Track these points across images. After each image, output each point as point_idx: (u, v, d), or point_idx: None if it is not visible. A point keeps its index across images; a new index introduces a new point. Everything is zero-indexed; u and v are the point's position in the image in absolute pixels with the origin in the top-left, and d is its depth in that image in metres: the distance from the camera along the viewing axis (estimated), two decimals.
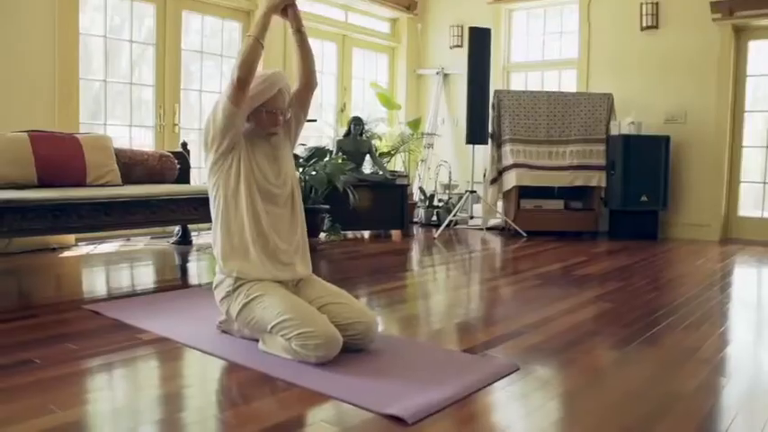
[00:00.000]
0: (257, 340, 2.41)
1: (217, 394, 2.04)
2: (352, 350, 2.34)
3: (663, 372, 2.33)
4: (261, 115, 2.44)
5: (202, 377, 2.20)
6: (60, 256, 4.61)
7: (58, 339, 2.50)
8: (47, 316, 2.89)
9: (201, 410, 1.88)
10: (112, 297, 3.31)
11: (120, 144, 5.31)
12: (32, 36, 4.66)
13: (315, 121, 5.94)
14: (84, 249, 4.89)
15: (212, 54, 6.15)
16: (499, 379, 2.16)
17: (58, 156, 4.02)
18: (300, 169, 5.12)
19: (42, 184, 3.90)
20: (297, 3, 2.51)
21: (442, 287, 3.95)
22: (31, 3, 4.63)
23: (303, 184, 5.17)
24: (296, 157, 5.10)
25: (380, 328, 2.80)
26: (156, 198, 3.74)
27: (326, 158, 5.25)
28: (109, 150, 4.35)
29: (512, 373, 2.23)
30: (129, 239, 5.38)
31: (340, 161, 6.00)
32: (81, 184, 4.10)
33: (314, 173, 5.06)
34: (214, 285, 2.48)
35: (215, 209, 2.47)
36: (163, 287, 3.64)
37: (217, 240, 2.45)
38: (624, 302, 3.47)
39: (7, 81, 4.53)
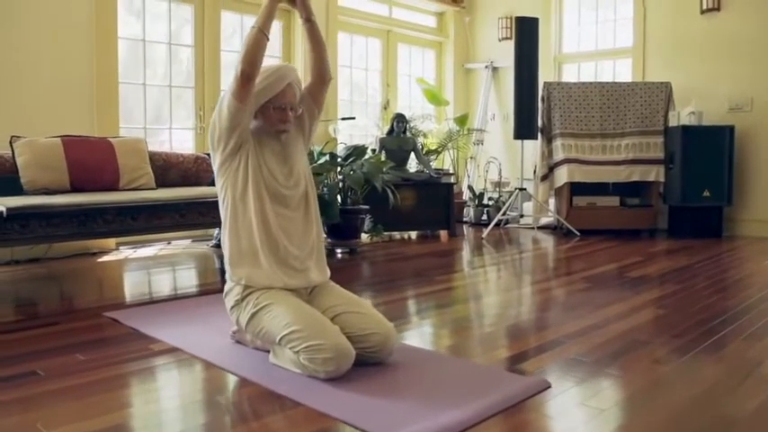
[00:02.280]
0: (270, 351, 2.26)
1: (214, 412, 1.89)
2: (368, 363, 2.16)
3: (718, 390, 2.06)
4: (269, 112, 2.28)
5: (205, 393, 2.06)
6: (98, 260, 4.60)
7: (69, 349, 2.42)
8: (67, 323, 2.83)
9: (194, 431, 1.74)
10: (137, 304, 3.23)
11: (161, 147, 5.32)
12: (72, 42, 4.66)
13: (353, 118, 5.79)
14: (123, 253, 4.87)
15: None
16: (527, 398, 1.94)
17: (91, 160, 3.98)
18: (338, 169, 4.98)
19: (75, 188, 3.87)
20: None
21: (485, 291, 3.73)
22: (69, 9, 4.64)
23: (340, 184, 5.02)
24: (332, 156, 4.96)
25: (405, 338, 2.61)
26: (184, 201, 3.64)
27: (365, 157, 5.08)
28: (142, 153, 4.29)
29: (542, 391, 2.00)
30: (169, 243, 5.35)
31: (382, 159, 5.84)
32: (114, 188, 4.05)
33: (351, 172, 4.90)
34: (224, 294, 2.35)
35: (223, 212, 2.33)
36: (192, 293, 3.55)
37: (225, 246, 2.31)
38: (680, 308, 3.17)
39: (47, 86, 4.54)
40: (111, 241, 4.95)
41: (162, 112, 5.51)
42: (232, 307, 2.29)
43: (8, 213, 3.00)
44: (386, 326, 2.20)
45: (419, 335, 2.77)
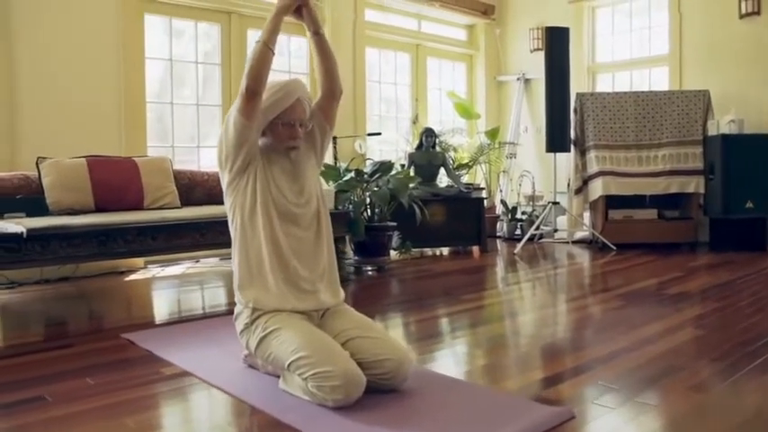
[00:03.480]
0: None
1: None
2: (381, 390, 2.05)
3: (762, 420, 1.89)
4: (277, 128, 2.21)
5: (210, 421, 1.98)
6: (125, 279, 4.60)
7: (79, 373, 2.37)
8: (82, 345, 2.79)
9: None
10: (155, 324, 3.19)
11: (188, 166, 5.32)
12: (100, 62, 4.70)
13: (380, 134, 5.73)
14: (151, 272, 4.87)
15: (280, 71, 6.05)
16: (548, 430, 1.81)
17: (115, 180, 3.99)
18: (365, 185, 4.90)
19: (99, 208, 3.88)
20: (311, 2, 2.25)
21: (515, 310, 3.59)
22: (97, 30, 4.68)
23: (367, 200, 4.93)
24: (358, 173, 4.89)
25: (431, 359, 2.50)
26: (204, 220, 3.61)
27: (391, 173, 4.99)
28: (167, 172, 4.29)
29: (566, 422, 1.87)
30: (197, 261, 5.34)
31: (411, 174, 5.75)
32: (138, 207, 4.05)
33: (377, 189, 4.82)
34: (234, 317, 2.27)
35: (233, 232, 2.26)
36: (211, 313, 3.50)
37: (235, 267, 2.25)
38: (721, 327, 2.99)
39: (76, 107, 4.58)
40: (140, 260, 4.95)
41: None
42: (242, 331, 2.22)
43: (28, 234, 3.00)
44: (399, 351, 2.09)
45: (442, 356, 2.65)
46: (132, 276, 4.71)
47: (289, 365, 2.01)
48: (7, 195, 3.77)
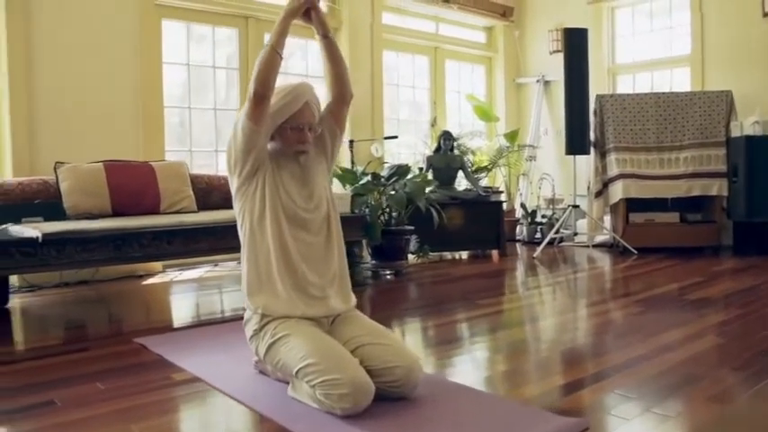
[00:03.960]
0: None
1: None
2: (391, 398, 2.02)
3: None
4: (286, 132, 2.19)
5: (216, 429, 1.97)
6: (143, 283, 4.62)
7: (90, 377, 2.37)
8: (96, 350, 2.80)
9: None
10: (169, 329, 3.19)
11: (207, 170, 5.33)
12: (118, 68, 4.73)
13: (396, 137, 5.69)
14: (168, 276, 4.89)
15: (299, 75, 6.06)
16: None
17: (132, 184, 4.01)
18: (381, 189, 4.87)
19: (116, 213, 3.90)
20: (321, 5, 2.23)
21: (532, 316, 3.54)
22: (116, 35, 4.71)
23: (384, 204, 4.90)
24: (375, 176, 4.86)
25: (447, 364, 2.47)
26: (219, 224, 3.60)
27: (408, 176, 4.96)
28: (183, 177, 4.30)
29: None
30: (216, 264, 5.35)
31: (429, 178, 5.71)
32: (155, 211, 4.07)
33: (393, 192, 4.79)
34: (244, 323, 2.26)
35: (242, 237, 2.25)
36: (226, 317, 3.50)
37: (243, 273, 2.23)
38: (743, 335, 2.91)
39: (95, 112, 4.61)
40: (158, 264, 4.97)
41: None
42: (251, 337, 2.20)
43: (44, 239, 3.02)
44: (409, 358, 2.05)
45: (459, 362, 2.62)
46: (150, 280, 4.73)
47: (297, 372, 1.99)
48: (26, 200, 3.80)
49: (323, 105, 2.33)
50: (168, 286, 4.54)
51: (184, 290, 4.41)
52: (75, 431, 1.89)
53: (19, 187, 3.83)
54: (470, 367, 2.59)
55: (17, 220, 3.50)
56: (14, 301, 3.92)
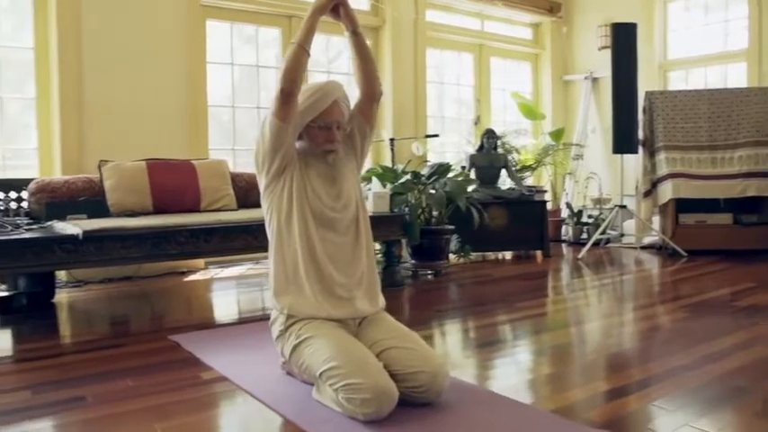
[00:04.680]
0: None
1: None
2: (415, 404, 1.97)
3: None
4: (314, 131, 2.17)
5: (237, 431, 1.96)
6: (185, 280, 4.68)
7: (122, 374, 2.40)
8: (131, 346, 2.84)
9: None
10: (204, 326, 3.20)
11: (250, 168, 5.37)
12: (164, 68, 4.81)
13: (437, 136, 5.63)
14: (210, 273, 4.94)
15: (340, 74, 6.06)
16: None
17: (173, 183, 4.07)
18: (421, 188, 4.81)
19: (157, 210, 3.96)
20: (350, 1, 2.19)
21: (571, 319, 3.43)
22: (162, 36, 4.79)
23: (423, 203, 4.85)
24: (415, 175, 4.81)
25: (479, 368, 2.41)
26: (255, 223, 3.61)
27: (449, 175, 4.89)
28: (224, 175, 4.34)
29: None
30: (258, 262, 5.38)
31: (471, 177, 5.63)
32: (195, 209, 4.12)
33: (433, 191, 4.73)
34: (270, 323, 2.25)
35: (270, 237, 2.24)
36: (262, 316, 3.50)
37: (270, 272, 2.22)
38: None
39: (140, 111, 4.69)
40: (200, 261, 5.03)
41: (249, 134, 5.59)
42: (277, 337, 2.19)
43: (84, 236, 3.07)
44: (434, 364, 2.00)
45: (492, 366, 2.56)
46: (192, 277, 4.79)
47: (320, 375, 1.97)
48: (72, 198, 3.89)
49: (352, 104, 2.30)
50: (209, 283, 4.59)
51: (224, 287, 4.45)
52: (99, 428, 1.91)
53: (65, 185, 3.92)
54: (508, 371, 2.52)
55: (63, 218, 3.60)
56: (61, 296, 4.02)
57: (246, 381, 2.28)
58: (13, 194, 3.97)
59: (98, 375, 2.40)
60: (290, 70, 2.04)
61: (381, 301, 2.28)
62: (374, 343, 2.08)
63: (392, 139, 5.22)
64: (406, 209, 4.54)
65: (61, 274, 4.37)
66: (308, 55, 2.08)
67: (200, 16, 5.04)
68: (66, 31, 4.39)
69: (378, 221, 4.20)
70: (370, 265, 2.26)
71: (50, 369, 2.52)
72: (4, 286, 3.86)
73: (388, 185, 4.74)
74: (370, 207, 4.32)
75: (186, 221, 3.46)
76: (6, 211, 3.68)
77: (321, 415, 1.94)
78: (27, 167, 4.54)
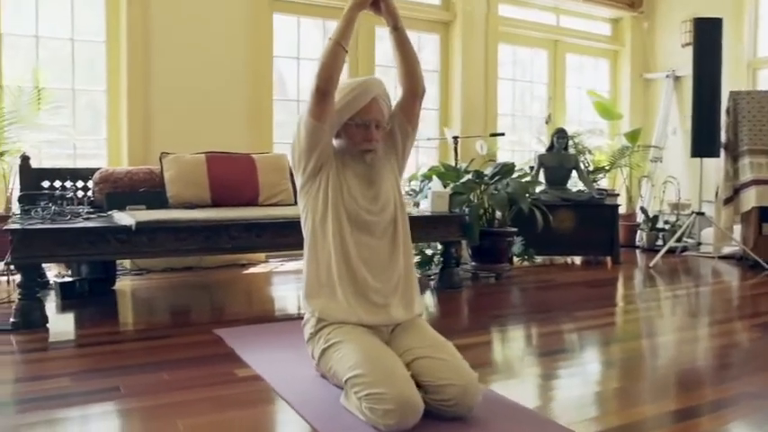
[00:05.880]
0: None
1: None
2: (444, 418, 1.88)
3: None
4: (351, 130, 2.09)
5: None
6: (244, 272, 4.72)
7: (160, 367, 2.41)
8: (176, 338, 2.86)
9: None
10: (250, 321, 3.20)
11: None
12: (229, 63, 4.87)
13: (503, 134, 5.45)
14: (270, 266, 4.97)
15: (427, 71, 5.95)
16: None
17: (232, 176, 4.09)
18: (483, 188, 4.67)
19: (215, 203, 3.99)
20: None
21: (633, 332, 3.24)
22: (228, 29, 4.85)
23: (485, 204, 4.70)
24: (478, 174, 4.68)
25: (523, 380, 2.29)
26: None
27: (512, 176, 4.73)
28: (283, 170, 4.33)
29: None
30: None
31: (537, 178, 5.44)
32: (253, 203, 4.13)
33: (495, 192, 4.58)
34: (302, 324, 2.20)
35: (305, 237, 2.18)
36: None
37: (304, 274, 2.17)
38: None
39: (205, 104, 4.77)
40: (261, 254, 5.05)
41: None
42: (308, 340, 2.14)
43: (137, 227, 3.12)
44: (466, 377, 1.89)
45: (547, 377, 2.45)
46: (251, 270, 4.83)
47: (346, 381, 1.90)
48: (133, 189, 3.98)
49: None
50: (267, 277, 4.61)
51: (282, 281, 4.46)
52: (123, 422, 1.92)
53: (127, 176, 4.02)
54: (569, 383, 2.40)
55: (122, 208, 3.68)
56: (123, 283, 4.13)
57: (279, 381, 2.24)
58: (80, 183, 4.10)
59: (137, 366, 2.42)
60: (325, 67, 1.97)
61: (418, 306, 2.19)
62: (406, 351, 1.99)
63: (456, 138, 5.09)
64: (466, 209, 4.42)
65: (125, 263, 4.50)
66: (346, 52, 2.01)
67: (267, 10, 5.07)
68: (135, 25, 4.51)
69: (436, 221, 4.10)
70: (408, 270, 2.17)
71: (94, 357, 2.57)
72: (68, 272, 4.00)
73: (451, 184, 4.62)
74: (428, 206, 4.22)
75: (238, 216, 3.46)
76: (72, 200, 3.79)
77: (345, 422, 1.87)
78: (98, 158, 4.70)
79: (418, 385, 1.88)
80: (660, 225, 6.35)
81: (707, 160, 5.43)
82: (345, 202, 2.09)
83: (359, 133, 2.09)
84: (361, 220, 2.09)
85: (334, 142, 2.15)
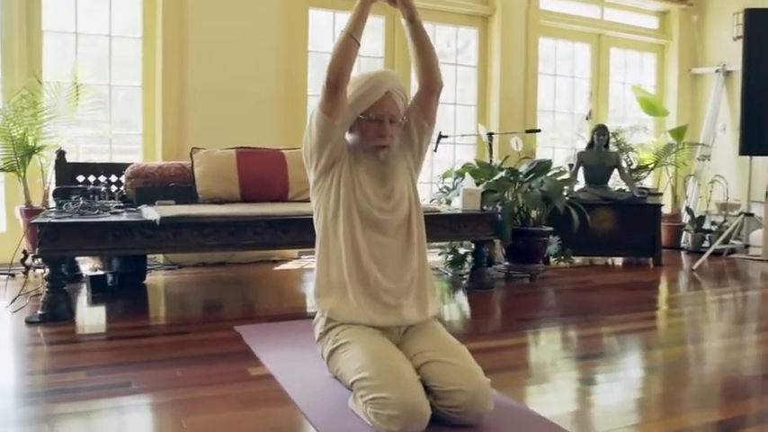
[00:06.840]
0: None
1: None
2: (454, 425, 1.80)
3: None
4: (364, 124, 2.03)
5: None
6: (275, 269, 4.71)
7: (174, 363, 2.41)
8: (195, 334, 2.86)
9: None
10: (271, 318, 3.17)
11: None
12: (263, 58, 4.86)
13: (539, 131, 5.30)
14: (302, 263, 4.95)
15: (469, 66, 5.89)
16: None
17: (261, 172, 4.07)
18: (517, 186, 4.55)
19: (244, 199, 3.98)
20: None
21: (671, 338, 3.09)
22: (263, 24, 4.84)
23: (520, 202, 4.58)
24: (513, 172, 4.56)
25: (553, 385, 2.19)
26: None
27: (547, 173, 4.59)
28: None
29: None
30: None
31: (576, 176, 5.29)
32: (283, 199, 4.11)
33: (529, 190, 4.45)
34: (313, 323, 2.15)
35: (317, 234, 2.13)
36: None
37: (315, 272, 2.12)
38: None
39: (239, 100, 4.76)
40: (294, 250, 5.04)
41: None
42: (318, 340, 2.09)
43: (161, 222, 3.13)
44: (476, 383, 1.81)
45: (584, 382, 2.37)
46: (283, 266, 4.82)
47: (353, 384, 1.84)
48: (164, 183, 4.00)
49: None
50: (298, 273, 4.59)
51: (310, 278, 4.43)
52: (127, 418, 1.90)
53: (158, 171, 4.04)
54: (608, 388, 2.31)
55: (152, 202, 3.70)
56: (155, 278, 4.17)
57: (290, 381, 2.20)
58: (113, 178, 4.15)
59: (152, 362, 2.42)
60: (336, 61, 1.92)
61: (433, 307, 2.11)
62: (416, 354, 1.92)
63: (490, 134, 4.98)
64: (499, 207, 4.31)
65: (158, 257, 4.54)
66: (358, 45, 1.95)
67: (303, 5, 5.04)
68: (171, 22, 4.54)
69: (466, 220, 4.01)
70: (422, 270, 2.10)
71: (112, 351, 2.58)
72: (99, 265, 4.05)
73: (485, 181, 4.52)
74: (459, 204, 4.13)
75: (261, 212, 3.44)
76: (104, 194, 3.84)
77: (350, 427, 1.82)
78: (134, 153, 4.75)
79: (427, 390, 1.81)
80: (707, 226, 6.10)
81: (757, 159, 5.19)
82: (357, 199, 2.03)
83: (372, 128, 2.03)
84: (372, 219, 2.03)
85: (348, 137, 2.09)
